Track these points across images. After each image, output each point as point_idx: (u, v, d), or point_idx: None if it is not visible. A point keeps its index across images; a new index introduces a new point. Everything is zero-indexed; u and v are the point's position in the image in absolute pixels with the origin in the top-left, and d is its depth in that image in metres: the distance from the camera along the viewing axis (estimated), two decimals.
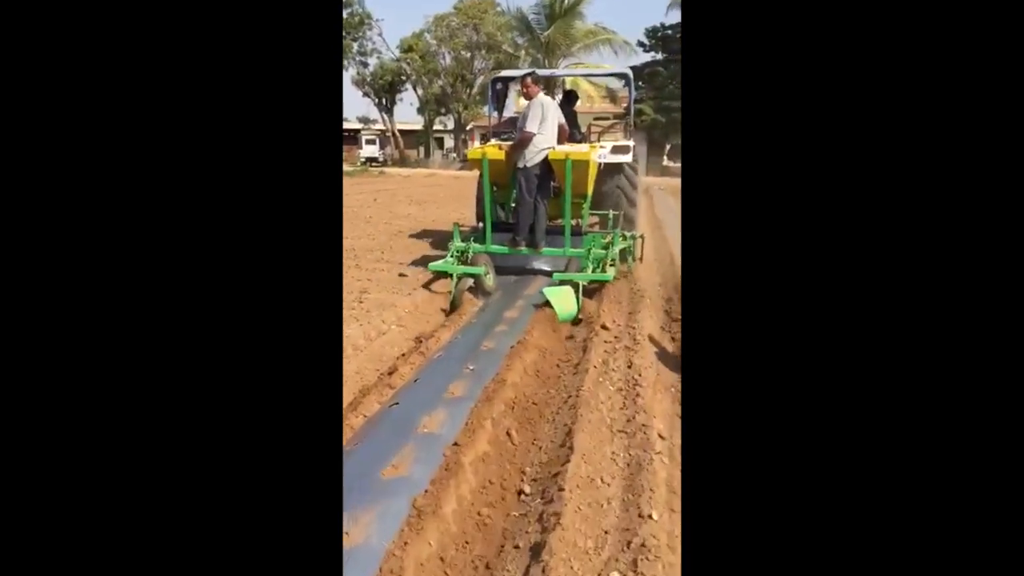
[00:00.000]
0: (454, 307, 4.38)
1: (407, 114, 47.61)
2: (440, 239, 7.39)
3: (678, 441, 2.47)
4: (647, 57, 29.01)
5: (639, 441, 2.35)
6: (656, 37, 28.42)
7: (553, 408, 2.78)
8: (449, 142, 35.17)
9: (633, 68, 28.53)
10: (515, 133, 5.15)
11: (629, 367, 3.17)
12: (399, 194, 14.61)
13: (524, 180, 4.91)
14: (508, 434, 2.46)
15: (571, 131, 5.73)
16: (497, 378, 2.86)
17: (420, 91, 30.37)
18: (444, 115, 32.69)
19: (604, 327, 3.83)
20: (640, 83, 27.42)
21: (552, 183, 5.04)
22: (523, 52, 26.58)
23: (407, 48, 28.69)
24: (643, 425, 2.46)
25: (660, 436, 2.43)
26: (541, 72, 6.35)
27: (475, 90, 29.41)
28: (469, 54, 28.05)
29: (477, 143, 38.37)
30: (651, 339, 3.72)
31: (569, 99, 6.68)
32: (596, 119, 10.86)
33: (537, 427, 2.61)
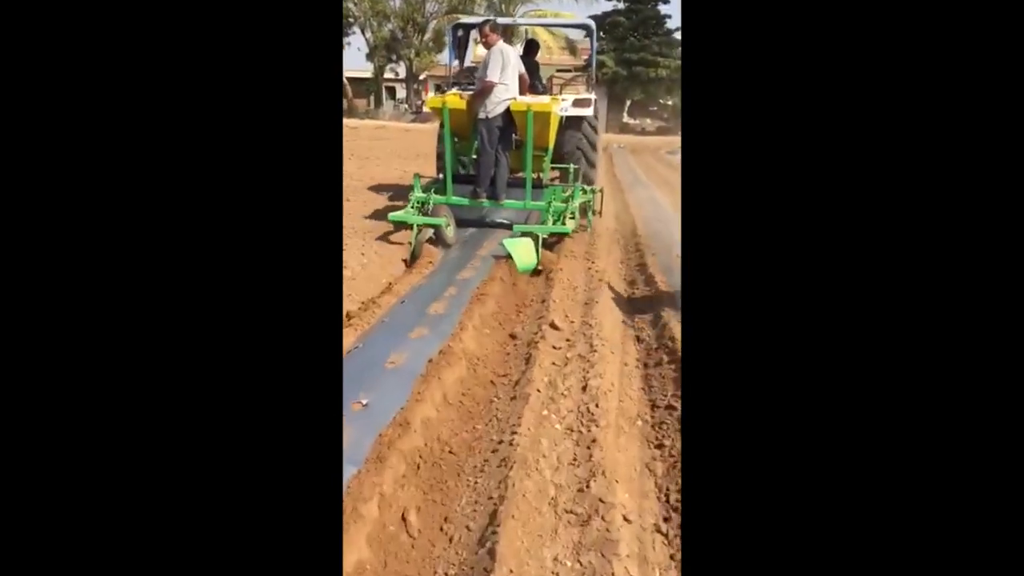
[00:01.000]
0: (414, 258, 4.33)
1: (355, 60, 44.99)
2: (374, 205, 6.38)
3: (650, 522, 1.74)
4: (608, 6, 27.72)
5: (595, 534, 1.59)
6: None
7: (478, 460, 2.00)
8: (402, 92, 33.21)
9: (594, 17, 27.30)
10: (476, 83, 4.98)
11: (584, 390, 2.41)
12: None
13: (486, 131, 4.74)
14: (404, 519, 1.67)
15: (532, 82, 5.48)
16: (399, 418, 2.05)
17: (369, 35, 28.34)
18: (395, 62, 30.70)
19: (554, 326, 3.05)
20: (601, 34, 26.25)
21: (514, 135, 4.90)
22: None
23: None
24: (601, 500, 1.71)
25: (625, 519, 1.69)
26: (501, 20, 6.16)
27: (428, 35, 27.58)
28: None
29: (431, 94, 36.81)
30: (617, 326, 2.98)
31: (530, 49, 6.40)
32: (559, 71, 10.55)
33: (452, 497, 1.83)
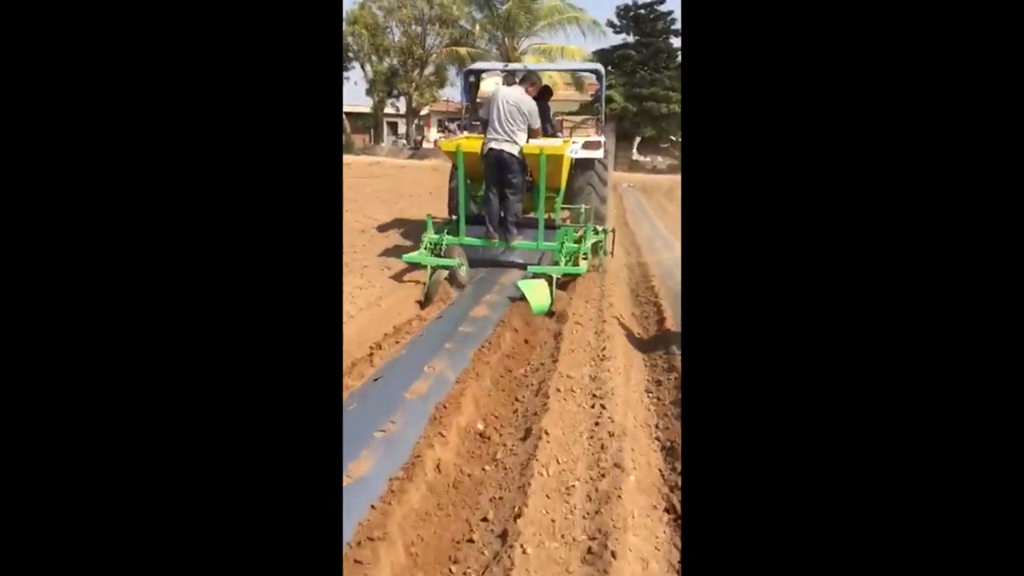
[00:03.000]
0: (428, 299, 4.30)
1: (354, 95, 44.41)
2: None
3: None
4: (617, 40, 26.48)
5: None
6: (628, 17, 25.89)
7: None
8: (404, 128, 32.06)
9: (602, 51, 26.06)
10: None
11: None
12: None
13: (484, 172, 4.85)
14: None
15: (544, 126, 5.49)
16: None
17: (368, 69, 27.24)
18: (396, 97, 29.58)
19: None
20: (609, 68, 25.01)
21: (526, 177, 4.92)
22: (478, 28, 23.71)
23: (352, 20, 25.46)
24: None
25: None
26: (512, 66, 6.45)
27: (428, 70, 26.42)
28: (420, 28, 25.03)
29: (434, 130, 35.88)
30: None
31: (543, 94, 6.20)
32: (568, 114, 10.85)
33: None
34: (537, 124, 4.77)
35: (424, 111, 30.16)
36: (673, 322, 3.94)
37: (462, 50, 23.84)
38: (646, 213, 11.07)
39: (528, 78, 5.07)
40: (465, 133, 5.33)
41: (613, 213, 8.98)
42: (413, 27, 25.03)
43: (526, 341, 3.71)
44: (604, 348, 3.35)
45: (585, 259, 4.68)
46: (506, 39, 23.37)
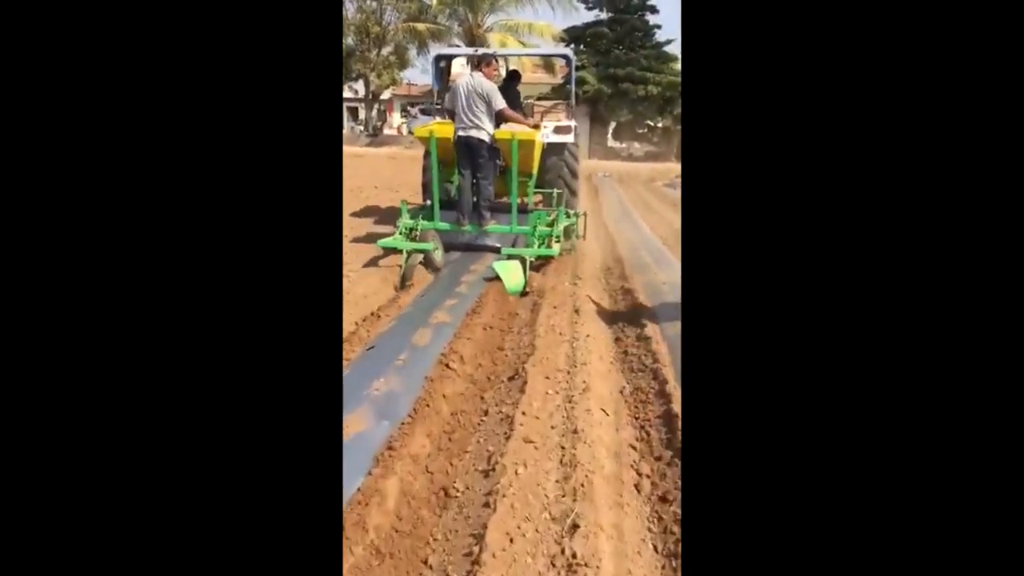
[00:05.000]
0: (404, 282, 4.37)
1: None
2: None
3: None
4: (590, 16, 24.73)
5: None
6: None
7: None
8: (364, 113, 30.01)
9: (573, 28, 24.34)
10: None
11: None
12: None
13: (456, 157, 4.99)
14: None
15: (516, 111, 5.38)
16: None
17: None
18: (354, 80, 27.46)
19: None
20: (581, 46, 23.32)
21: (498, 162, 5.05)
22: (435, 2, 21.75)
23: None
24: None
25: None
26: (481, 51, 5.76)
27: (387, 49, 24.37)
28: (376, 3, 22.95)
29: (397, 115, 33.48)
30: None
31: (512, 78, 6.41)
32: (539, 98, 10.71)
33: None
34: (499, 105, 4.70)
35: (385, 95, 28.18)
36: (645, 299, 2.45)
37: (421, 26, 21.92)
38: (627, 211, 9.48)
39: (483, 59, 4.88)
40: (436, 119, 5.39)
41: (589, 207, 7.69)
42: (368, 2, 22.95)
43: (441, 487, 2.10)
44: (576, 498, 1.75)
45: (558, 242, 4.77)
46: (469, 15, 21.50)
